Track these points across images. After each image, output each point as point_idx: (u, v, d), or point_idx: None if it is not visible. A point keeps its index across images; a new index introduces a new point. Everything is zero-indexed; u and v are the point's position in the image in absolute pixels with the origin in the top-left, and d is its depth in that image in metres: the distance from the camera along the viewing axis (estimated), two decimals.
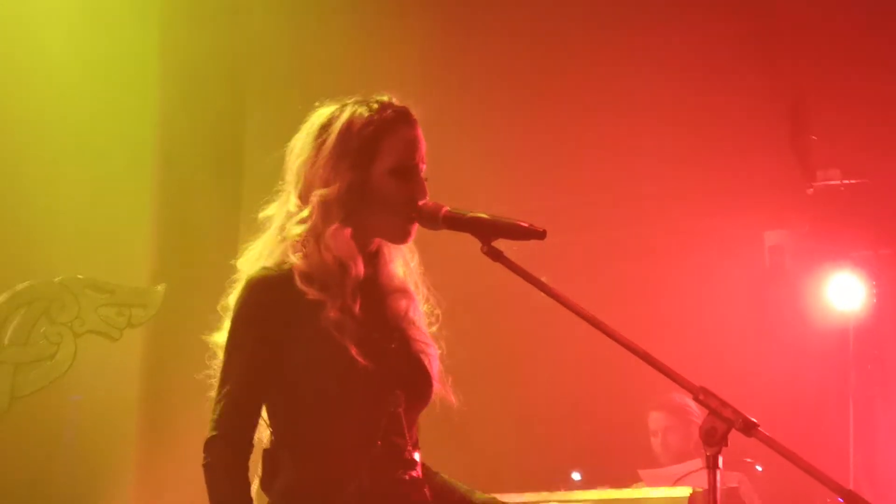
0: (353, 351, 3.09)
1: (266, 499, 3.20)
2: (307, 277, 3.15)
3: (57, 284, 6.35)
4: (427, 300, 3.36)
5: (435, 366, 3.28)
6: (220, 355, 3.24)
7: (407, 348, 3.24)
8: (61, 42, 7.31)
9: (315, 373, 3.11)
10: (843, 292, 7.85)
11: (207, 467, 3.10)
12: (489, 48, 8.15)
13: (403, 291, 3.29)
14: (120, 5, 7.40)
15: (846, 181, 7.94)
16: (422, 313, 3.32)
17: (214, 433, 3.10)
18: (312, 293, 3.13)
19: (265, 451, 3.21)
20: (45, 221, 7.25)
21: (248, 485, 3.11)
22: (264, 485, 3.20)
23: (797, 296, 7.96)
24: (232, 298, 3.22)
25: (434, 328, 3.35)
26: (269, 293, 3.14)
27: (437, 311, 3.38)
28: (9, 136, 7.17)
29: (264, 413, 3.22)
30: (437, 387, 3.29)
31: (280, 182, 3.32)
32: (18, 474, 6.86)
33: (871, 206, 7.89)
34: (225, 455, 3.09)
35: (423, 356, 3.26)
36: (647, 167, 8.07)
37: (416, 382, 3.24)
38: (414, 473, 3.20)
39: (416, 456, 3.21)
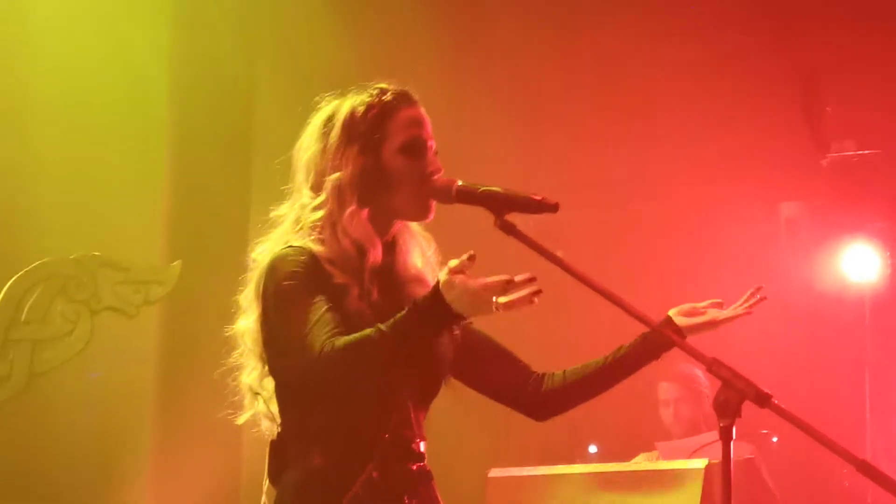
0: None
1: (273, 491, 3.20)
2: (329, 262, 3.16)
3: (73, 262, 6.37)
4: None
5: (446, 359, 3.29)
6: (247, 340, 3.24)
7: None
8: (77, 24, 7.33)
9: None
10: (859, 263, 7.84)
11: (334, 353, 2.97)
12: (498, 27, 8.14)
13: (419, 280, 3.28)
14: None
15: (861, 152, 7.92)
16: None
17: (326, 340, 2.99)
18: (338, 276, 3.14)
19: (272, 442, 3.22)
20: (60, 200, 7.27)
21: None
22: (272, 477, 3.20)
23: (813, 267, 7.95)
24: (251, 287, 3.21)
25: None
26: (309, 264, 3.13)
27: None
28: (25, 118, 7.20)
29: (272, 405, 3.23)
30: (447, 379, 3.31)
31: (290, 182, 3.32)
32: (37, 450, 6.90)
33: (887, 177, 7.87)
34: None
35: (435, 348, 3.25)
36: (662, 140, 8.05)
37: (427, 375, 3.25)
38: (421, 465, 3.21)
39: (423, 447, 3.22)
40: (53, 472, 6.99)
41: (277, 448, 3.21)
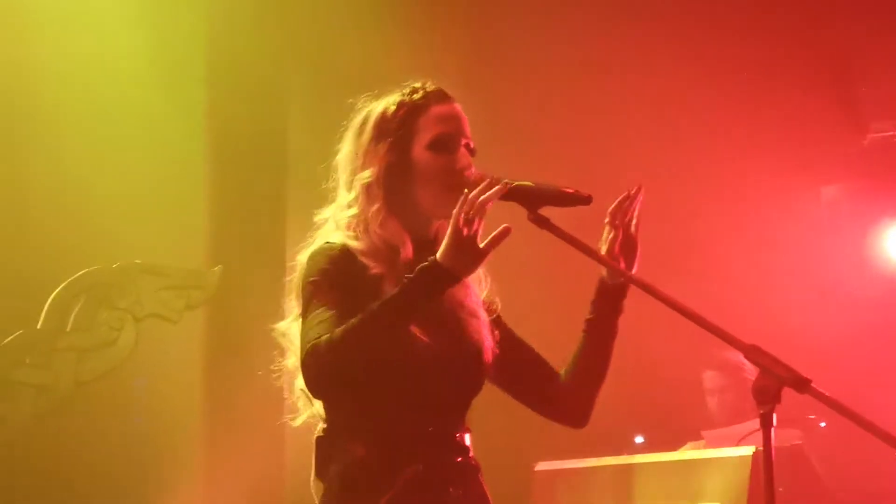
0: (410, 334, 3.10)
1: (320, 488, 3.21)
2: (364, 255, 3.18)
3: (115, 270, 6.41)
4: (488, 287, 3.37)
5: (488, 357, 3.29)
6: (290, 339, 3.26)
7: (461, 336, 3.24)
8: (117, 35, 7.37)
9: None
10: None
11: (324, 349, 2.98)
12: (528, 21, 8.13)
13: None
14: (170, 5, 7.47)
15: None
16: (479, 302, 3.32)
17: (320, 333, 3.01)
18: (374, 267, 3.15)
19: (318, 438, 3.22)
20: (101, 209, 7.31)
21: None
22: (319, 471, 3.21)
23: (855, 250, 7.91)
24: (294, 288, 3.25)
25: (493, 317, 3.35)
26: (341, 258, 3.16)
27: (496, 300, 3.38)
28: (67, 127, 7.24)
29: (317, 402, 3.24)
30: (487, 378, 3.31)
31: (325, 184, 3.38)
32: (85, 459, 6.93)
33: None
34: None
35: (476, 346, 3.26)
36: (700, 124, 8.01)
37: (469, 371, 3.26)
38: (466, 457, 3.21)
39: (468, 440, 3.23)
40: (103, 479, 7.02)
41: (323, 443, 3.22)
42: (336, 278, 3.12)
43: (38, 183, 7.12)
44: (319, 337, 2.99)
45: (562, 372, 3.43)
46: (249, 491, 6.81)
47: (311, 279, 3.13)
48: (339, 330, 2.97)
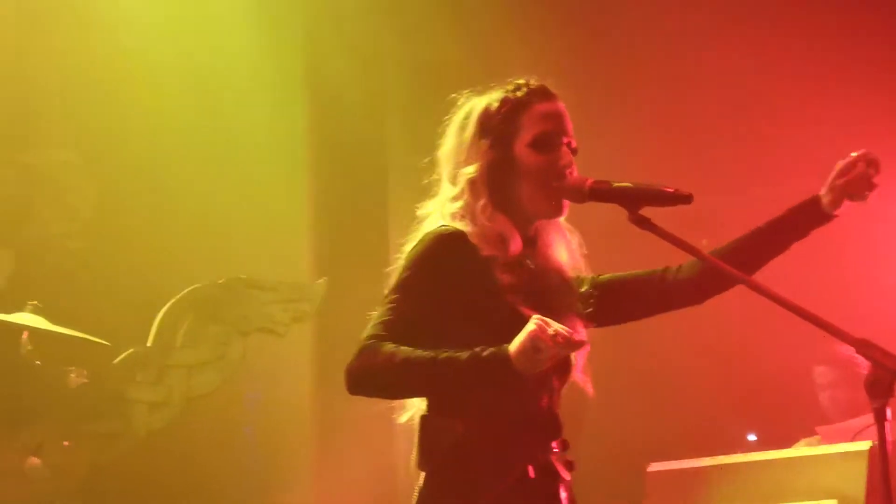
0: (518, 311, 3.09)
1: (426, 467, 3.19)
2: (475, 238, 3.20)
3: (221, 286, 6.48)
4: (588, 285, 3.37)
5: (579, 354, 3.27)
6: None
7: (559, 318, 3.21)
8: (218, 50, 7.45)
9: (488, 334, 3.04)
10: None
11: (370, 352, 3.05)
12: (632, 19, 8.09)
13: (559, 271, 3.29)
14: (269, 17, 7.54)
15: None
16: (576, 297, 3.31)
17: (380, 333, 3.07)
18: (485, 249, 3.16)
19: (423, 417, 3.20)
20: (207, 225, 7.39)
21: None
22: (423, 450, 3.18)
23: None
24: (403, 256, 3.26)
25: (589, 310, 3.34)
26: (449, 246, 3.16)
27: (592, 293, 3.36)
28: (173, 145, 7.32)
29: None
30: (575, 374, 3.28)
31: (434, 176, 3.38)
32: (198, 472, 7.00)
33: None
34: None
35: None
36: (804, 118, 7.92)
37: (563, 364, 3.23)
38: (564, 449, 3.19)
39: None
40: (214, 492, 7.09)
41: (428, 423, 3.20)
42: (429, 275, 3.14)
43: (142, 202, 7.21)
44: (378, 338, 3.05)
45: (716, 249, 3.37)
46: (362, 498, 6.83)
47: (405, 273, 3.16)
48: (401, 356, 3.00)
